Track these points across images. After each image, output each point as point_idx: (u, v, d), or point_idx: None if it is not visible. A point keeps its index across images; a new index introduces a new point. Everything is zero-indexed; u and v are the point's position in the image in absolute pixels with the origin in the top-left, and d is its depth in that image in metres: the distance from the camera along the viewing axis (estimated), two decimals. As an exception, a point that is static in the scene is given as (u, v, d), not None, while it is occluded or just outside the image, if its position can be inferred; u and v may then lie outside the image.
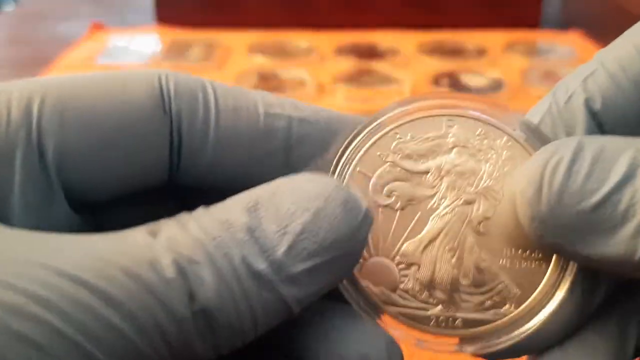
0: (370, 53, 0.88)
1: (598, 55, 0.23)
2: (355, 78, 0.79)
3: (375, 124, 0.24)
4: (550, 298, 0.23)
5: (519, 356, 0.24)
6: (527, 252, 0.23)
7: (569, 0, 1.11)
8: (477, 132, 0.24)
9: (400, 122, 0.24)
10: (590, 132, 0.23)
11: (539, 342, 0.23)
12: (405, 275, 0.24)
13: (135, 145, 0.22)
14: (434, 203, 0.24)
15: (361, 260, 0.23)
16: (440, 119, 0.24)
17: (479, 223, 0.24)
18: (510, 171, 0.24)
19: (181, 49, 0.88)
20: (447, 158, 0.24)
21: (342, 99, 0.75)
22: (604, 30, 0.92)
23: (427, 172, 0.24)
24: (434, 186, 0.24)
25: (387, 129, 0.24)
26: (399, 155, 0.24)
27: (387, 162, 0.24)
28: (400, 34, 0.94)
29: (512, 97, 0.76)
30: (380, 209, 0.24)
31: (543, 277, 0.23)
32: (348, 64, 0.84)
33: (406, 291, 0.24)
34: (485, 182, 0.24)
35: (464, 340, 0.24)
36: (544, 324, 0.23)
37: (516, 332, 0.23)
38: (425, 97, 0.25)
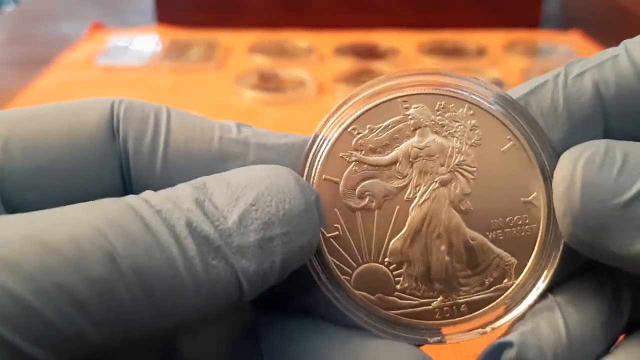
0: (370, 53, 0.87)
1: (624, 43, 0.23)
2: (355, 78, 0.79)
3: (328, 125, 0.23)
4: (548, 259, 0.23)
5: None
6: (515, 217, 0.23)
7: (569, 1, 1.10)
8: (436, 107, 0.23)
9: (354, 116, 0.23)
10: (594, 116, 0.22)
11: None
12: (399, 275, 0.23)
13: (83, 168, 0.21)
14: (410, 193, 0.23)
15: (350, 271, 0.22)
16: (395, 102, 0.23)
17: (460, 201, 0.23)
18: (478, 142, 0.23)
19: (181, 49, 0.88)
20: (412, 142, 0.23)
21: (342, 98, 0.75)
22: (604, 30, 0.91)
23: (395, 162, 0.23)
24: (406, 175, 0.23)
25: (343, 127, 0.23)
26: (362, 152, 0.23)
27: (352, 162, 0.23)
28: (400, 34, 0.94)
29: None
30: (357, 213, 0.23)
31: (535, 241, 0.23)
32: (348, 64, 0.84)
33: (403, 291, 0.23)
34: (456, 158, 0.23)
35: (479, 324, 0.23)
36: (550, 284, 0.23)
37: (523, 303, 0.23)
38: (372, 84, 0.24)
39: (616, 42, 0.23)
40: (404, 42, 0.91)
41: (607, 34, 0.90)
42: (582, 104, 0.22)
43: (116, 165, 0.22)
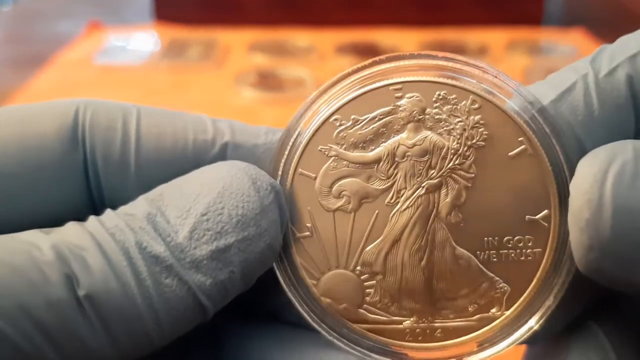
0: (370, 51, 0.87)
1: None
2: (356, 77, 0.78)
3: (310, 112, 0.21)
4: (550, 292, 0.20)
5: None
6: (515, 238, 0.20)
7: (571, -2, 1.10)
8: (434, 97, 0.20)
9: (338, 104, 0.20)
10: (629, 120, 0.19)
11: (533, 340, 0.20)
12: (371, 287, 0.20)
13: (42, 179, 0.20)
14: (392, 197, 0.20)
15: (318, 276, 0.20)
16: (387, 90, 0.20)
17: (449, 213, 0.20)
18: (481, 142, 0.20)
19: (180, 48, 0.88)
20: (400, 138, 0.20)
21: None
22: (606, 29, 0.91)
23: (378, 161, 0.20)
24: (389, 176, 0.20)
25: (325, 115, 0.20)
26: (343, 146, 0.20)
27: (331, 156, 0.20)
28: (401, 32, 0.93)
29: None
30: (331, 214, 0.20)
31: (538, 268, 0.20)
32: (348, 62, 0.83)
33: (373, 304, 0.20)
34: (450, 161, 0.20)
35: (454, 354, 0.20)
36: (542, 326, 0.20)
37: (510, 339, 0.20)
38: (364, 67, 0.21)
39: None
40: (405, 41, 0.90)
41: (609, 32, 0.89)
42: (619, 107, 0.19)
43: (79, 177, 0.20)
